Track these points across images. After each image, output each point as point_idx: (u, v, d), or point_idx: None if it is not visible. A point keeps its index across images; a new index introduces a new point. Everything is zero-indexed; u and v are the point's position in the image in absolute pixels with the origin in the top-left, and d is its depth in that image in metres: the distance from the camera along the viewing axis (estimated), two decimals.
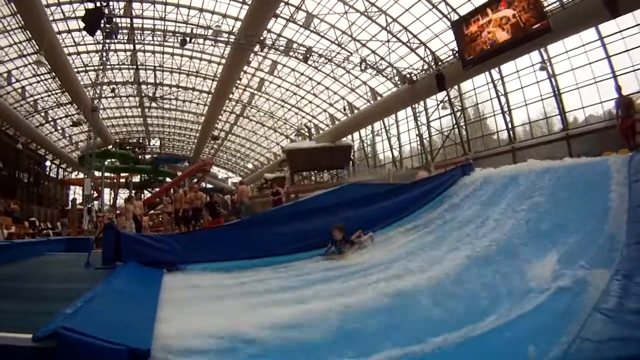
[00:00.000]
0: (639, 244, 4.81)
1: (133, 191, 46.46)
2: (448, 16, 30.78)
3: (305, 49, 32.69)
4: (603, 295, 3.96)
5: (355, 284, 6.55)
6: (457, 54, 28.93)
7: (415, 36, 34.07)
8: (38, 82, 42.31)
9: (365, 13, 33.20)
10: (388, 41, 34.62)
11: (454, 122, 36.97)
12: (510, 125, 32.64)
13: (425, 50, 34.29)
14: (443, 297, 5.49)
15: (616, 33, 25.43)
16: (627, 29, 24.88)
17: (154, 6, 33.69)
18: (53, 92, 44.49)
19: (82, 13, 25.80)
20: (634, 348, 2.89)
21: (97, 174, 40.94)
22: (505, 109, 32.72)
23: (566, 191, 8.93)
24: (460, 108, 36.93)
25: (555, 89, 29.15)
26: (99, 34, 26.33)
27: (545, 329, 3.93)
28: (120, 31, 27.31)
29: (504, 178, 11.93)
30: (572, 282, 4.80)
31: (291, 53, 33.76)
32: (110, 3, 26.31)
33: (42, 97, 45.42)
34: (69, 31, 36.19)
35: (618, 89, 14.52)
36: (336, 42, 35.96)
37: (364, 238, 10.74)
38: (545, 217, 8.14)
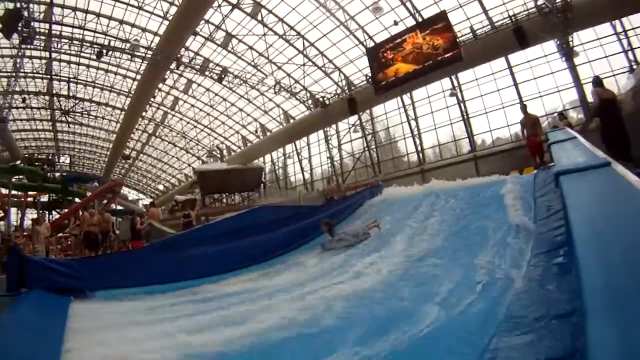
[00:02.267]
0: (544, 254, 5.00)
1: (41, 212, 44.69)
2: (364, 43, 31.44)
3: (221, 69, 32.54)
4: (513, 301, 4.12)
5: (256, 307, 6.53)
6: (370, 80, 29.32)
7: (330, 61, 34.57)
8: None
9: (284, 36, 33.41)
10: (304, 65, 34.94)
11: (365, 145, 37.53)
12: (420, 148, 33.48)
13: (339, 74, 34.81)
14: (353, 314, 5.58)
15: (524, 63, 26.80)
16: (535, 59, 26.27)
17: (75, 13, 32.25)
18: None
19: (1, 13, 24.75)
20: (542, 353, 3.01)
21: (4, 191, 39.37)
22: (416, 133, 33.45)
23: (470, 208, 9.29)
24: (371, 131, 37.51)
25: (464, 114, 30.18)
26: (15, 37, 25.41)
27: (457, 339, 4.03)
28: (37, 37, 26.12)
29: (410, 198, 12.26)
30: (483, 291, 5.00)
31: (207, 72, 33.40)
32: (31, 5, 25.21)
33: None
34: None
35: (523, 107, 14.82)
36: (252, 63, 35.90)
37: (369, 225, 11.43)
38: (451, 233, 8.47)
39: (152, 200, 34.31)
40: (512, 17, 23.62)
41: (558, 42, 22.62)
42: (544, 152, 12.73)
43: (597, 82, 12.04)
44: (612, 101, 11.63)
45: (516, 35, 22.88)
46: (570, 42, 22.31)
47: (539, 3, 22.37)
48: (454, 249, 7.65)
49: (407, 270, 7.35)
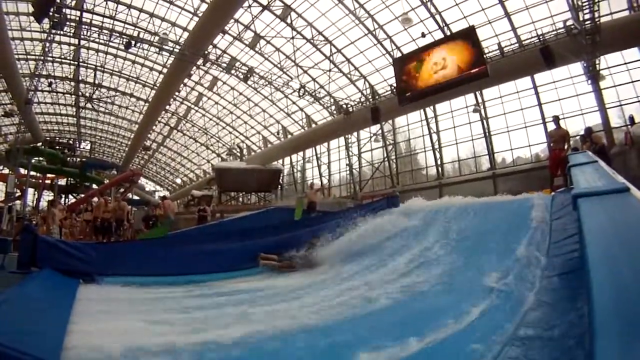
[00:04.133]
0: (556, 277, 4.97)
1: (59, 195, 44.54)
2: (391, 53, 31.41)
3: (247, 69, 32.55)
4: (522, 323, 4.08)
5: (271, 309, 6.51)
6: (394, 90, 29.25)
7: (356, 68, 34.59)
8: None
9: (312, 41, 33.48)
10: (329, 70, 34.93)
11: (385, 155, 37.36)
12: (439, 162, 33.27)
13: (364, 83, 34.82)
14: (367, 321, 5.54)
15: (550, 83, 26.74)
16: (560, 80, 26.32)
17: (106, 3, 32.61)
18: None
19: None
20: None
21: (23, 171, 39.51)
22: (436, 146, 33.34)
23: (488, 226, 9.24)
24: (392, 142, 37.37)
25: (486, 131, 30.00)
26: (46, 22, 25.52)
27: (463, 355, 3.99)
28: (67, 23, 26.07)
29: (429, 211, 12.19)
30: (492, 310, 4.94)
31: (233, 71, 33.37)
32: None
33: None
34: (18, 13, 34.79)
35: (556, 119, 14.51)
36: (279, 65, 36.01)
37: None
38: (466, 247, 8.40)
39: (164, 195, 34.27)
40: (540, 37, 23.44)
41: (585, 65, 22.47)
42: (560, 175, 12.68)
43: (591, 131, 15.04)
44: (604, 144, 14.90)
45: (543, 55, 22.72)
46: (597, 65, 22.15)
47: (567, 24, 22.26)
48: (467, 264, 7.62)
49: (415, 282, 7.33)
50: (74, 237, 22.44)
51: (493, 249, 7.82)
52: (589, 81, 23.00)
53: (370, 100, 33.10)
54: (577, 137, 21.68)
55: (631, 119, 21.21)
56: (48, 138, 52.19)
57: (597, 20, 20.26)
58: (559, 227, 7.07)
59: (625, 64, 23.69)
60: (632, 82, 23.58)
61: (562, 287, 4.56)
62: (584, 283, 2.77)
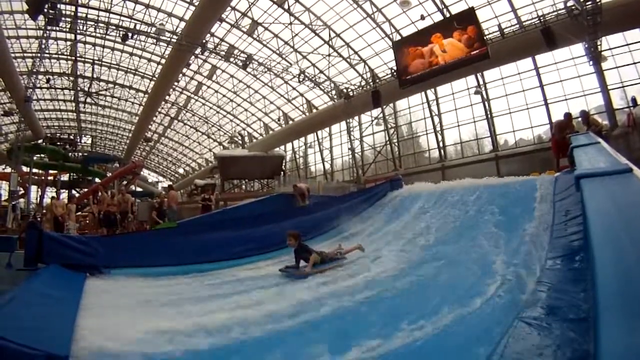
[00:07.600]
0: (559, 258, 4.98)
1: (62, 190, 44.42)
2: (390, 36, 31.26)
3: (246, 56, 32.40)
4: (526, 304, 4.09)
5: (275, 293, 6.56)
6: (395, 73, 29.19)
7: (356, 52, 34.44)
8: None
9: (310, 26, 33.30)
10: (329, 55, 34.80)
11: (387, 138, 37.34)
12: (441, 145, 33.21)
13: (364, 67, 34.69)
14: (363, 307, 5.55)
15: (551, 64, 26.60)
16: (562, 61, 26.12)
17: None
18: None
19: None
20: (553, 356, 2.98)
21: (25, 169, 39.46)
22: (438, 129, 33.28)
23: (493, 206, 9.24)
24: (394, 125, 37.31)
25: (488, 113, 29.92)
26: (41, 19, 25.40)
27: (469, 337, 4.03)
28: (63, 19, 25.75)
29: (433, 193, 12.19)
30: (497, 292, 4.95)
31: (231, 59, 33.18)
32: None
33: None
34: (12, 12, 34.79)
35: (568, 115, 14.36)
36: (277, 51, 35.81)
37: (350, 248, 9.38)
38: (471, 229, 8.40)
39: (170, 184, 34.26)
40: (541, 18, 23.36)
41: (586, 46, 22.30)
42: (564, 157, 12.63)
43: (587, 114, 14.93)
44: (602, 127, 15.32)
45: (544, 36, 22.59)
46: (599, 46, 21.98)
47: (568, 4, 22.12)
48: (471, 245, 7.62)
49: (413, 267, 7.34)
50: (79, 231, 22.43)
51: (497, 230, 7.86)
52: (591, 62, 22.79)
53: (371, 84, 33.06)
54: (579, 119, 21.70)
55: (634, 100, 21.13)
56: (49, 134, 51.99)
57: (598, 0, 20.12)
58: (562, 208, 7.09)
59: (628, 44, 23.58)
60: (635, 63, 23.48)
61: (566, 268, 4.58)
62: (587, 265, 2.79)
